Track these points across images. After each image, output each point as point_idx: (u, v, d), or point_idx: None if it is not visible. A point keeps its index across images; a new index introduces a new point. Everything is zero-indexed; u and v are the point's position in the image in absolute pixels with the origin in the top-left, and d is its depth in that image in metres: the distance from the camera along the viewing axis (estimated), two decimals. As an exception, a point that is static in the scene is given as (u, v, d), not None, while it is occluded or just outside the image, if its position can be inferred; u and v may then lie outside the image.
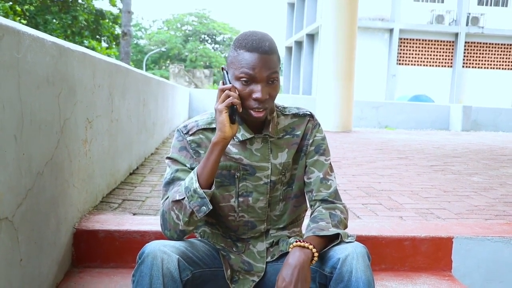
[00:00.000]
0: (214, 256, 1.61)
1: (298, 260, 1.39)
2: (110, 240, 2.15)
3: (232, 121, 1.45)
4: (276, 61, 1.48)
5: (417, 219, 2.69)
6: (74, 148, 2.09)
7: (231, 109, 1.44)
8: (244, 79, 1.44)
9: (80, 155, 2.19)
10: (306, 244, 1.42)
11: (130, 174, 3.72)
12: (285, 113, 1.65)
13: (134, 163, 3.94)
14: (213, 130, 1.56)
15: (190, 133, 1.58)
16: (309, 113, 1.67)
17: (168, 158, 1.59)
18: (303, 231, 1.67)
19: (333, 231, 1.49)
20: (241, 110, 1.46)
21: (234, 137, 1.56)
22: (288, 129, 1.64)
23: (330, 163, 1.68)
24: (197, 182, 1.44)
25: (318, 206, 1.62)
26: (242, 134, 1.56)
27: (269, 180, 1.60)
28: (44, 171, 1.70)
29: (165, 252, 1.37)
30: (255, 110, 1.46)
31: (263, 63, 1.43)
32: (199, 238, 1.69)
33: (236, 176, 1.59)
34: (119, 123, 3.15)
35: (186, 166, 1.56)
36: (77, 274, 2.05)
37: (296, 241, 1.43)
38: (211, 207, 1.46)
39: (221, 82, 1.50)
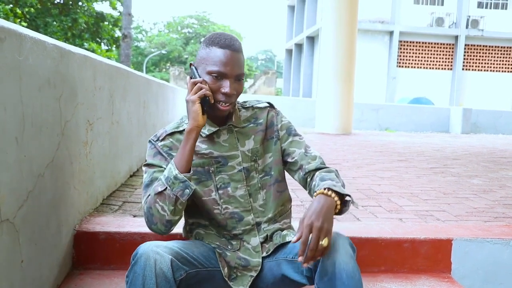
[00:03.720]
0: (210, 256, 1.62)
1: (323, 203, 1.41)
2: (110, 242, 2.16)
3: (203, 111, 1.54)
4: (243, 60, 1.60)
5: (416, 221, 2.70)
6: (75, 150, 2.09)
7: (203, 100, 1.54)
8: (215, 74, 1.54)
9: (81, 157, 2.20)
10: (329, 193, 1.44)
11: (131, 176, 3.73)
12: (246, 106, 1.76)
13: (135, 165, 3.94)
14: (181, 132, 1.66)
15: (160, 139, 1.67)
16: (268, 104, 1.77)
17: (145, 165, 1.65)
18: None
19: (345, 191, 1.50)
20: (213, 101, 1.55)
21: (201, 133, 1.64)
22: (251, 119, 1.73)
23: (304, 141, 1.76)
24: (176, 169, 1.51)
25: (315, 173, 1.66)
26: (208, 129, 1.65)
27: (242, 167, 1.67)
28: (45, 173, 1.70)
29: (158, 252, 1.40)
30: (222, 104, 1.56)
31: (233, 60, 1.55)
32: (194, 240, 1.71)
33: (210, 171, 1.66)
34: (119, 125, 3.16)
35: (162, 167, 1.62)
36: (78, 275, 2.05)
37: (320, 189, 1.46)
38: (194, 187, 1.52)
39: (188, 77, 1.60)
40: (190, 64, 1.62)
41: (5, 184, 1.37)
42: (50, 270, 1.81)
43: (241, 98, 1.79)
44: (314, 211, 1.39)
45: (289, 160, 1.72)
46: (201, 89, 1.53)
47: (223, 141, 1.66)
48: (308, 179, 1.67)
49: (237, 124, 1.68)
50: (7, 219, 1.40)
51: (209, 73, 1.55)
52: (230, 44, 1.55)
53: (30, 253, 1.59)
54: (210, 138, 1.66)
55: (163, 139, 1.66)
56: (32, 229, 1.60)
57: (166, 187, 1.50)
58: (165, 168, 1.61)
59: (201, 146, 1.65)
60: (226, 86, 1.54)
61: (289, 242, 1.63)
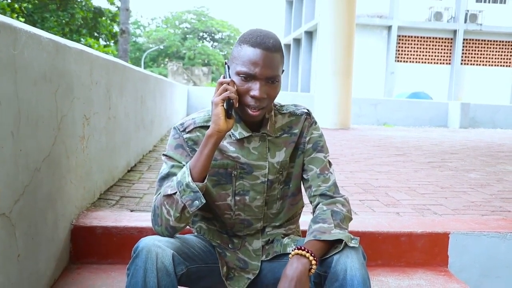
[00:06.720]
0: (211, 252, 1.61)
1: (295, 272, 1.36)
2: (107, 236, 2.16)
3: (228, 115, 1.41)
4: (279, 60, 1.46)
5: (413, 215, 2.71)
6: (72, 145, 2.09)
7: (228, 103, 1.41)
8: (243, 74, 1.42)
9: (78, 151, 2.20)
10: (304, 252, 1.39)
11: (128, 171, 3.73)
12: (282, 111, 1.63)
13: (132, 160, 3.94)
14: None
15: (187, 130, 1.56)
16: (306, 111, 1.66)
17: (164, 155, 1.58)
18: (305, 227, 1.66)
19: (335, 234, 1.46)
20: (237, 105, 1.44)
21: (231, 135, 1.55)
22: (285, 128, 1.62)
23: (329, 160, 1.67)
24: (190, 176, 1.42)
25: (319, 203, 1.59)
26: (240, 132, 1.54)
27: (266, 179, 1.59)
28: (42, 167, 1.70)
29: (159, 246, 1.38)
30: (251, 108, 1.44)
31: (265, 60, 1.41)
32: (195, 233, 1.70)
33: (233, 175, 1.57)
34: (116, 120, 3.16)
35: (181, 163, 1.54)
36: (75, 270, 2.05)
37: (296, 248, 1.40)
38: (204, 201, 1.43)
39: (222, 76, 1.49)
40: (225, 63, 1.51)
41: (1, 178, 1.37)
42: (47, 264, 1.81)
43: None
44: (285, 284, 1.35)
45: (304, 176, 1.64)
46: (226, 90, 1.41)
47: (253, 148, 1.56)
48: (313, 203, 1.62)
49: (271, 133, 1.57)
50: (3, 213, 1.40)
51: (238, 73, 1.43)
52: (262, 42, 1.41)
53: (26, 247, 1.59)
54: (240, 142, 1.55)
55: (189, 131, 1.55)
56: (29, 223, 1.60)
57: (176, 192, 1.43)
58: (183, 165, 1.53)
59: (229, 148, 1.55)
60: (255, 89, 1.41)
61: (289, 253, 1.57)
